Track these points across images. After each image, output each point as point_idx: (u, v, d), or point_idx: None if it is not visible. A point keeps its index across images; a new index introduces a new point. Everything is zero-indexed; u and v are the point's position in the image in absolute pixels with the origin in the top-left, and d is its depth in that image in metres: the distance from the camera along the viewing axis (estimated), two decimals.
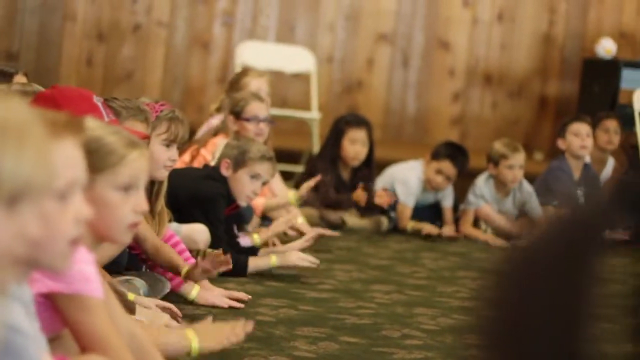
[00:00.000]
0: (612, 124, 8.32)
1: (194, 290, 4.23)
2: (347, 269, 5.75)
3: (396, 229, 7.34)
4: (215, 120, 6.72)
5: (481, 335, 1.25)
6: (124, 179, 2.34)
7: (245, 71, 7.32)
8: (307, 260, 5.13)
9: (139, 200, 2.40)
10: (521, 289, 1.23)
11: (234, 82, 7.00)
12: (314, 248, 5.73)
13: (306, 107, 9.26)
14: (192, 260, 4.44)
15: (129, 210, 2.36)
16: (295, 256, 5.17)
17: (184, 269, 4.10)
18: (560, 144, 7.95)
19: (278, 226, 5.78)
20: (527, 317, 1.20)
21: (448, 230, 7.43)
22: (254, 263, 5.08)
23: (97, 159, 2.23)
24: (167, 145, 4.39)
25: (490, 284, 1.30)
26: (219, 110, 6.87)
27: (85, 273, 2.16)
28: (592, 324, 1.19)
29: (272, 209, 6.44)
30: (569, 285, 1.17)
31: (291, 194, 6.36)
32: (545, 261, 1.21)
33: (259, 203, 6.07)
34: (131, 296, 3.65)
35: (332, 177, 7.10)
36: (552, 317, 1.17)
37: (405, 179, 7.50)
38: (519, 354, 1.21)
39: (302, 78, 9.82)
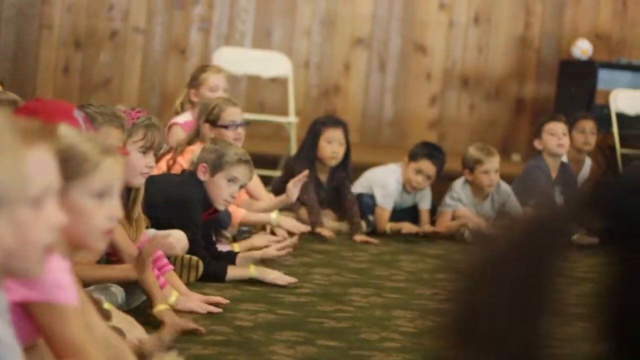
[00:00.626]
0: (588, 125, 8.37)
1: (172, 297, 4.22)
2: (325, 273, 5.76)
3: (375, 232, 7.36)
4: (180, 118, 6.80)
5: (447, 334, 1.27)
6: (98, 186, 2.34)
7: (204, 67, 7.33)
8: (285, 280, 5.18)
9: (114, 207, 2.40)
10: (483, 288, 1.25)
11: (193, 78, 7.07)
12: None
13: (284, 112, 9.27)
14: (170, 267, 4.46)
15: (103, 217, 2.36)
16: (274, 275, 5.21)
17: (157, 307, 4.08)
18: (537, 144, 7.99)
19: (258, 241, 5.80)
20: (489, 315, 1.22)
21: (426, 228, 7.46)
22: (232, 273, 5.11)
23: (71, 166, 2.23)
24: (144, 153, 4.40)
25: (454, 283, 1.32)
26: (182, 106, 6.96)
27: (60, 281, 2.16)
28: (554, 323, 1.21)
29: (250, 223, 6.46)
30: (529, 284, 1.19)
31: (274, 215, 6.33)
32: (508, 260, 1.23)
33: (239, 214, 6.06)
34: (109, 304, 3.67)
35: (309, 179, 7.11)
36: (513, 315, 1.20)
37: (384, 182, 7.51)
38: (481, 351, 1.23)
39: (279, 83, 9.83)
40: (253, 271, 5.15)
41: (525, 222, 1.40)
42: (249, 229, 6.52)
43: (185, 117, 6.84)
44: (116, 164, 2.43)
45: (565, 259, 1.25)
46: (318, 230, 6.47)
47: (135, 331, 3.53)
